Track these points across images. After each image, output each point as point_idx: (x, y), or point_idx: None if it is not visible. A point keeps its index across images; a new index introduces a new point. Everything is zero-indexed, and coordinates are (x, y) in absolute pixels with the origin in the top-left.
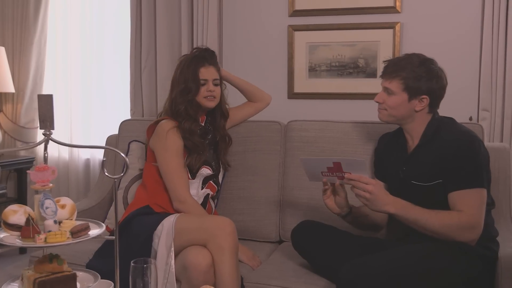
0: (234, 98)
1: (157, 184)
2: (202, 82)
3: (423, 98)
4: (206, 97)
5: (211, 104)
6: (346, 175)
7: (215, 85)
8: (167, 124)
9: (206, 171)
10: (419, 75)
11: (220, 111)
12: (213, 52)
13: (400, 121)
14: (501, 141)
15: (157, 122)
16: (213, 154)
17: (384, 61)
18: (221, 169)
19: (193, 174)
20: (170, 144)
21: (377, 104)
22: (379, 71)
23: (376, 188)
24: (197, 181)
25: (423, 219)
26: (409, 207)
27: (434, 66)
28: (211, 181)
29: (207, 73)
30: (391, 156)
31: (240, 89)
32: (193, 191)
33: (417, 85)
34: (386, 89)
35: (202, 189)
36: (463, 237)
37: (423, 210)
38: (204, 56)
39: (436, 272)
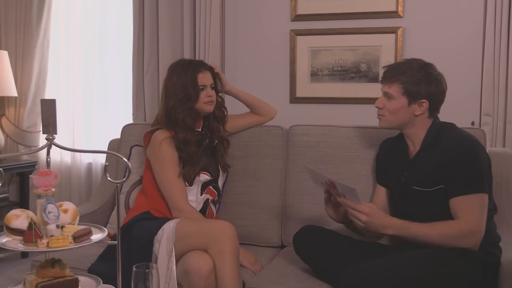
0: (236, 105)
1: (156, 190)
2: (201, 87)
3: (422, 102)
4: (207, 102)
5: (211, 108)
6: (342, 199)
7: (212, 89)
8: (161, 135)
9: (204, 177)
10: (418, 79)
11: (213, 114)
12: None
13: (400, 126)
14: (503, 146)
15: (151, 132)
16: (211, 158)
17: (383, 67)
18: (220, 174)
19: (190, 181)
20: (164, 155)
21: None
22: (381, 76)
23: (369, 218)
24: (195, 187)
25: (422, 234)
26: (407, 226)
27: (433, 70)
28: (210, 187)
29: (205, 78)
30: (393, 161)
31: (245, 103)
32: (192, 197)
33: (416, 90)
34: (385, 94)
35: (201, 195)
36: (464, 244)
37: (420, 225)
38: (198, 63)
39: (438, 277)
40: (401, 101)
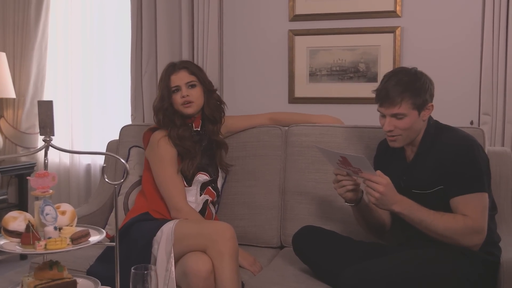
0: (238, 104)
1: (155, 191)
2: (173, 89)
3: (429, 106)
4: (183, 104)
5: (189, 110)
6: (359, 175)
7: (191, 87)
8: (158, 134)
9: (202, 177)
10: (419, 88)
11: (207, 117)
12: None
13: (415, 137)
14: (502, 145)
15: (152, 129)
16: (209, 159)
17: (376, 90)
18: (219, 175)
19: (189, 181)
20: (163, 154)
21: (380, 122)
22: (380, 76)
23: (386, 189)
24: (194, 188)
25: (428, 220)
26: (415, 207)
27: (421, 72)
28: (209, 187)
29: (177, 79)
30: (390, 165)
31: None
32: (191, 198)
33: (423, 99)
34: (395, 115)
35: (200, 196)
36: (467, 241)
37: (429, 211)
38: (174, 63)
39: (437, 277)
40: (413, 116)
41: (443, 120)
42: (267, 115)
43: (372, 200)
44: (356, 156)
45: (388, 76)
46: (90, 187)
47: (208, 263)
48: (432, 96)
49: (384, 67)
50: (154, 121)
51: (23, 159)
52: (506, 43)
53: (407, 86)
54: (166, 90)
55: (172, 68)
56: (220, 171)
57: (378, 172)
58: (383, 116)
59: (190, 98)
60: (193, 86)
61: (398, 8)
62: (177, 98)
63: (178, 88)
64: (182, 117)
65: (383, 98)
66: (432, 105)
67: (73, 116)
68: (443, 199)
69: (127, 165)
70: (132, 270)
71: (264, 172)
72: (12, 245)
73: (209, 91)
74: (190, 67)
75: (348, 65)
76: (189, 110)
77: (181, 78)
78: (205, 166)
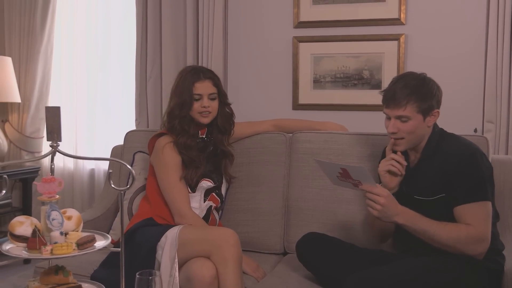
0: (242, 110)
1: (159, 196)
2: (196, 97)
3: (435, 112)
4: (201, 112)
5: (206, 120)
6: (360, 187)
7: (211, 99)
8: (164, 140)
9: (206, 183)
10: (426, 93)
11: (217, 126)
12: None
13: (418, 142)
14: (506, 153)
15: (158, 135)
16: (213, 166)
17: (383, 91)
18: (223, 181)
19: (193, 187)
20: (167, 160)
21: (385, 124)
22: (384, 83)
23: (386, 200)
24: (198, 194)
25: (431, 230)
26: (418, 218)
27: (429, 78)
28: (213, 193)
29: (201, 87)
30: None
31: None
32: (195, 204)
33: (429, 103)
34: (399, 117)
35: (204, 202)
36: (471, 250)
37: (431, 221)
38: (200, 70)
39: (441, 285)
40: (417, 120)
41: (447, 128)
42: (271, 122)
43: (374, 213)
44: (356, 167)
45: (397, 79)
46: (94, 192)
47: (212, 269)
48: (439, 103)
49: (388, 75)
50: (164, 125)
51: (28, 163)
52: (510, 51)
53: (413, 90)
54: (188, 97)
55: (198, 75)
56: (224, 179)
57: (378, 185)
58: (388, 118)
59: (209, 109)
60: (214, 98)
61: (402, 15)
62: (197, 106)
63: (200, 97)
64: (196, 125)
65: (389, 99)
66: (438, 112)
67: (78, 121)
68: (445, 206)
69: (133, 171)
70: (137, 276)
71: (268, 178)
72: (18, 250)
73: (224, 103)
74: (214, 78)
75: (352, 72)
76: (206, 120)
77: (205, 88)
78: (209, 172)
